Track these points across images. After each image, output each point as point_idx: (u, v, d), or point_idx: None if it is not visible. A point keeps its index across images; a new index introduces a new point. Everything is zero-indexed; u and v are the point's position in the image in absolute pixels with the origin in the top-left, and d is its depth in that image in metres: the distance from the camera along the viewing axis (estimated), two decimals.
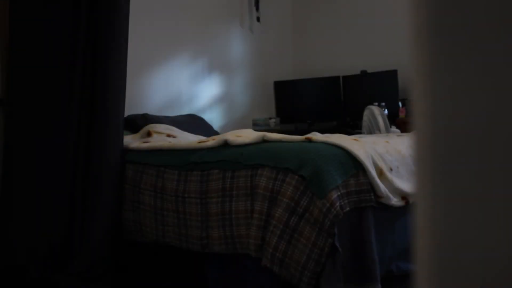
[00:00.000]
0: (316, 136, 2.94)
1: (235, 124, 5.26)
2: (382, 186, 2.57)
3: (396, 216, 2.70)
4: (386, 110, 4.58)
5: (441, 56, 0.47)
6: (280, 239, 2.49)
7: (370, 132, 4.20)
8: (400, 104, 4.98)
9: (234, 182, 2.73)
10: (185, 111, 4.80)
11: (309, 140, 2.81)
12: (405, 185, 2.67)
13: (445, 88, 0.47)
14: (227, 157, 2.84)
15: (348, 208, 2.46)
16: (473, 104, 0.46)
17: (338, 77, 5.59)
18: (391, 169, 2.69)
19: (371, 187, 2.56)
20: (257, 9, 5.70)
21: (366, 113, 4.39)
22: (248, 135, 2.99)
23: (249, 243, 2.61)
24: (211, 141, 3.05)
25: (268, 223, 2.55)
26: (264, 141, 2.92)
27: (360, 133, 4.34)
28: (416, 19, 0.48)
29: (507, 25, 0.46)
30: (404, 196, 2.68)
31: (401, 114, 4.83)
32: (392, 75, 5.11)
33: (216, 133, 4.40)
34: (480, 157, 0.47)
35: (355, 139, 2.81)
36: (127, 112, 3.82)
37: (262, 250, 2.56)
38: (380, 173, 2.63)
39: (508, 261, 0.46)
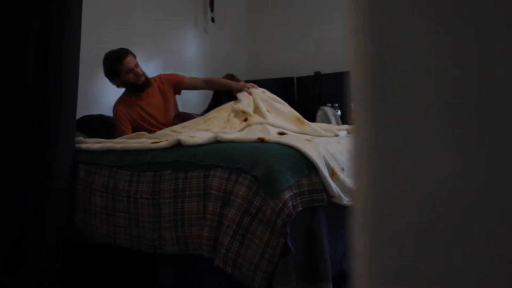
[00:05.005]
0: (269, 136, 2.95)
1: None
2: (334, 186, 2.59)
3: (348, 215, 2.72)
4: (339, 111, 4.63)
5: (377, 59, 0.48)
6: (233, 240, 2.49)
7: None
8: (352, 105, 5.03)
9: (187, 183, 2.72)
10: None
11: (262, 140, 2.82)
12: None
13: (381, 90, 0.48)
14: (180, 157, 2.83)
15: (300, 208, 2.48)
16: (410, 106, 0.47)
17: (292, 78, 5.62)
18: (343, 169, 2.71)
19: (324, 187, 2.58)
20: (212, 9, 5.69)
21: (319, 114, 4.43)
22: (201, 136, 2.99)
23: (201, 244, 2.61)
24: (164, 142, 3.03)
25: (221, 224, 2.55)
26: (217, 141, 2.92)
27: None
28: (353, 21, 0.49)
29: (440, 20, 0.47)
30: None
31: (354, 115, 4.88)
32: (345, 76, 5.16)
33: None
34: (415, 157, 0.48)
35: (308, 140, 2.83)
36: (81, 113, 3.77)
37: (215, 250, 2.56)
38: (332, 173, 2.65)
39: (442, 257, 0.47)
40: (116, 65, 3.84)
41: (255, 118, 3.36)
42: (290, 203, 2.42)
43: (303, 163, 2.60)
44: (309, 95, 5.49)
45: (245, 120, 3.39)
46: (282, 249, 2.41)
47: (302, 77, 5.57)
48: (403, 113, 0.48)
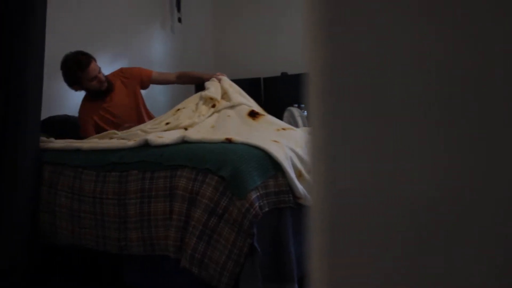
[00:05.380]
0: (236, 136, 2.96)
1: None
2: (300, 188, 2.61)
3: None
4: (305, 111, 4.65)
5: (333, 61, 0.49)
6: (199, 240, 2.49)
7: None
8: (308, 104, 5.05)
9: (154, 183, 2.71)
10: None
11: (230, 141, 2.83)
12: None
13: (335, 90, 0.49)
14: (146, 157, 2.81)
15: (267, 209, 2.49)
16: (363, 108, 0.48)
17: (258, 78, 5.63)
18: (310, 171, 2.73)
19: (290, 188, 2.60)
20: (179, 10, 5.68)
21: (286, 114, 4.44)
22: (169, 136, 2.98)
23: (167, 245, 2.60)
24: (131, 141, 3.02)
25: (187, 224, 2.55)
26: (184, 141, 2.91)
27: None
28: (308, 22, 0.50)
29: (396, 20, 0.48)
30: None
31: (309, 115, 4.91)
32: None
33: None
34: (370, 156, 0.49)
35: (275, 141, 2.84)
36: (46, 114, 3.73)
37: (181, 251, 2.56)
38: (299, 174, 2.67)
39: (400, 258, 0.48)
40: (79, 74, 3.72)
41: (223, 103, 3.40)
42: (256, 204, 2.43)
43: (270, 164, 2.61)
44: (276, 95, 5.50)
45: (213, 106, 3.40)
46: (248, 250, 2.41)
47: (269, 77, 5.58)
48: (357, 113, 0.49)
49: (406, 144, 0.48)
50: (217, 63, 6.16)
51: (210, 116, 3.30)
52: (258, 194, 2.47)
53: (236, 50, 6.08)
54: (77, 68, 3.71)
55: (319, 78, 0.50)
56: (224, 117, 3.21)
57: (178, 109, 3.52)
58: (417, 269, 0.49)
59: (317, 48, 0.50)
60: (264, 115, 3.35)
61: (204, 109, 3.40)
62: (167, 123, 3.34)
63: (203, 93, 3.54)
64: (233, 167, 2.53)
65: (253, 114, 3.30)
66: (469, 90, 0.47)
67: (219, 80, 3.64)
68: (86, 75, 3.73)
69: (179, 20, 5.69)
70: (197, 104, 3.48)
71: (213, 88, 3.55)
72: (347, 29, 0.49)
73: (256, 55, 5.91)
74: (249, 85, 5.62)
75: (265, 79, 5.61)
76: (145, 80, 4.04)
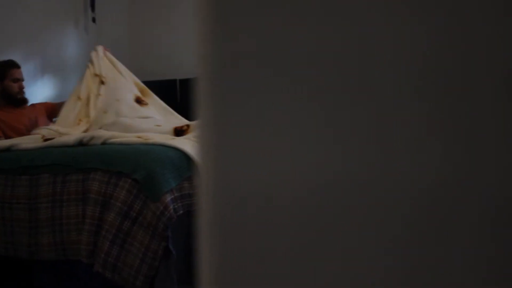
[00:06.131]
0: (153, 137, 2.93)
1: None
2: None
3: None
4: None
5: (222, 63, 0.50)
6: (113, 244, 2.46)
7: None
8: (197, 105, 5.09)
9: (65, 187, 2.65)
10: None
11: (145, 142, 2.80)
12: None
13: (224, 90, 0.50)
14: (58, 160, 2.75)
15: (181, 211, 2.48)
16: (249, 107, 0.49)
17: (174, 80, 5.60)
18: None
19: None
20: (93, 9, 5.57)
21: None
22: (69, 138, 2.95)
23: (80, 249, 2.55)
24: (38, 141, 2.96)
25: (100, 228, 2.51)
26: (82, 144, 2.87)
27: None
28: (198, 21, 0.50)
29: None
30: None
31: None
32: None
33: None
34: (258, 157, 0.50)
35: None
36: None
37: (94, 255, 2.51)
38: None
39: (288, 261, 0.49)
40: (10, 69, 3.80)
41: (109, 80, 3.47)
42: (171, 206, 2.42)
43: (186, 166, 2.60)
44: (192, 97, 5.47)
45: (102, 83, 3.56)
46: (163, 253, 2.40)
47: (185, 79, 5.56)
48: (245, 114, 0.50)
49: (296, 146, 0.50)
50: (132, 63, 6.07)
51: (99, 94, 3.41)
52: (172, 196, 2.46)
53: (151, 50, 6.03)
54: (12, 63, 3.84)
55: (207, 77, 0.51)
56: (114, 91, 3.29)
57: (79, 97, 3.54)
58: (312, 273, 0.50)
59: (205, 46, 0.50)
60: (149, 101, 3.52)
61: (94, 88, 3.48)
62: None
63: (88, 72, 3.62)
64: (147, 169, 2.51)
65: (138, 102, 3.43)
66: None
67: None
68: (15, 73, 3.81)
69: (93, 20, 5.59)
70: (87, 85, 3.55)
71: (95, 61, 3.65)
72: (233, 27, 0.49)
73: (172, 56, 5.87)
74: (165, 86, 5.59)
75: (181, 80, 5.58)
76: (52, 113, 4.02)
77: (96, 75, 3.52)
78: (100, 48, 3.80)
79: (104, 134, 2.92)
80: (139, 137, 2.86)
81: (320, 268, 0.49)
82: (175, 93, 5.57)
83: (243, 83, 0.49)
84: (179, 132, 3.16)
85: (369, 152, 0.49)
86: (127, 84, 3.67)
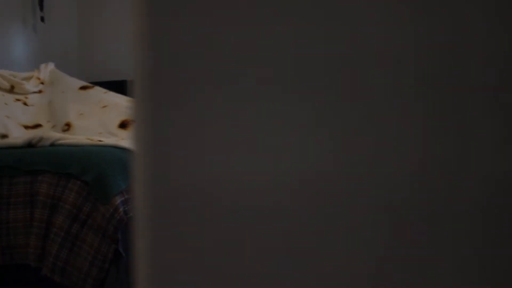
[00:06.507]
0: (106, 139, 2.90)
1: None
2: None
3: None
4: None
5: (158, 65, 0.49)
6: (62, 247, 2.42)
7: None
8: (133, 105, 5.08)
9: (13, 189, 2.59)
10: None
11: (95, 144, 2.77)
12: None
13: (159, 90, 0.50)
14: (4, 162, 2.69)
15: (132, 213, 2.45)
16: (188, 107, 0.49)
17: (125, 81, 5.54)
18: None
19: None
20: (41, 8, 5.48)
21: None
22: (15, 140, 2.89)
23: (28, 253, 2.50)
24: None
25: (49, 231, 2.47)
26: (30, 145, 2.82)
27: None
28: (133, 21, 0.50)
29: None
30: None
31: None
32: None
33: None
34: (195, 157, 0.50)
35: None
36: None
37: (42, 259, 2.47)
38: None
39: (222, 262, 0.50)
40: None
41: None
42: (121, 209, 2.39)
43: None
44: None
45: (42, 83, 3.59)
46: (113, 255, 2.37)
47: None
48: (179, 114, 0.50)
49: (234, 146, 0.50)
50: (81, 64, 6.00)
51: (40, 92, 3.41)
52: (123, 198, 2.43)
53: (102, 51, 5.96)
54: None
55: (142, 77, 0.50)
56: (58, 93, 3.30)
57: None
58: (252, 272, 0.50)
59: (139, 45, 0.50)
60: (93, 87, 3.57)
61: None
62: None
63: None
64: (96, 171, 2.48)
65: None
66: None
67: None
68: None
69: (42, 19, 5.49)
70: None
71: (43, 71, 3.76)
72: (168, 25, 0.49)
73: (122, 56, 5.81)
74: (115, 87, 5.52)
75: (132, 81, 5.51)
76: None
77: (38, 78, 3.54)
78: (51, 64, 3.84)
79: (53, 135, 2.88)
80: (88, 139, 2.83)
81: (258, 269, 0.50)
82: (124, 94, 5.51)
83: (180, 82, 0.49)
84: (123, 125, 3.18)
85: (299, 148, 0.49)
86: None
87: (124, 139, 2.92)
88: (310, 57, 0.48)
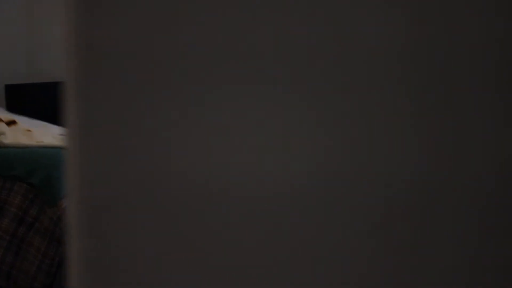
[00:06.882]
0: (50, 140, 2.85)
1: None
2: None
3: None
4: None
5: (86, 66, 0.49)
6: (7, 251, 2.37)
7: None
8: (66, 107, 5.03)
9: None
10: None
11: (40, 145, 2.72)
12: None
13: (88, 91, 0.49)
14: None
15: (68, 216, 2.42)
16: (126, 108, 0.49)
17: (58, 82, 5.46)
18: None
19: None
20: None
21: None
22: None
23: None
24: None
25: None
26: None
27: None
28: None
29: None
30: None
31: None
32: None
33: None
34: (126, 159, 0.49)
35: None
36: None
37: None
38: None
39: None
40: None
41: None
42: None
43: None
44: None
45: None
46: (61, 259, 2.34)
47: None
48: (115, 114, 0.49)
49: (176, 145, 0.49)
50: (29, 65, 5.90)
51: None
52: None
53: (50, 51, 5.87)
54: None
55: (73, 78, 0.50)
56: None
57: None
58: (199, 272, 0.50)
59: (70, 43, 0.49)
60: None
61: None
62: None
63: None
64: (43, 173, 2.44)
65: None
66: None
67: None
68: None
69: None
70: None
71: None
72: (98, 24, 0.49)
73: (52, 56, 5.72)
74: (54, 89, 5.41)
75: None
76: None
77: None
78: None
79: None
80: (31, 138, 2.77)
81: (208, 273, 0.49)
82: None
83: (112, 82, 0.48)
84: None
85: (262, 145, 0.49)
86: None
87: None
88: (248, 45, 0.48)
